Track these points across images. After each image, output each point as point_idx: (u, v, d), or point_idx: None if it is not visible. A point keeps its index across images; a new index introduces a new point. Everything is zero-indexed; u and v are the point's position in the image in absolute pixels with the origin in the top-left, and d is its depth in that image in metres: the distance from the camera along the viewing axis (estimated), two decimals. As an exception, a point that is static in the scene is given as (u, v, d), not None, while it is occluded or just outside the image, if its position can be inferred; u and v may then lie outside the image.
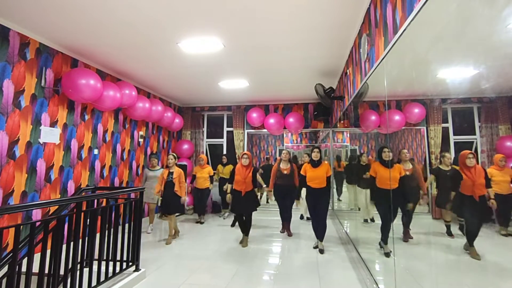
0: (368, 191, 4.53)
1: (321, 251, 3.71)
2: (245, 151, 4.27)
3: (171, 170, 4.30)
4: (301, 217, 5.74)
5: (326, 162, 3.88)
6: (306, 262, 3.41)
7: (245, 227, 4.09)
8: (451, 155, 2.88)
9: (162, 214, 4.31)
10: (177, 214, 4.39)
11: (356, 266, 3.28)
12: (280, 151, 8.53)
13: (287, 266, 3.30)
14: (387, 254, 3.15)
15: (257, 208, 4.12)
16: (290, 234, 4.57)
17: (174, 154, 4.37)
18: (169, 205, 4.20)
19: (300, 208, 5.71)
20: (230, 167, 5.74)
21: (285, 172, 4.46)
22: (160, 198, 4.28)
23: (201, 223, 5.43)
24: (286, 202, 4.60)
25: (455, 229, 2.94)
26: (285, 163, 4.50)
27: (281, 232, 4.68)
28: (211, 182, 5.56)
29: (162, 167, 5.68)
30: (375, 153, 6.04)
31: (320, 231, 3.80)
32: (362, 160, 4.79)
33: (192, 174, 5.73)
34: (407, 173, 3.07)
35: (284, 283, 2.86)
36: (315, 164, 3.76)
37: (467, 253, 2.35)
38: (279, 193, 4.54)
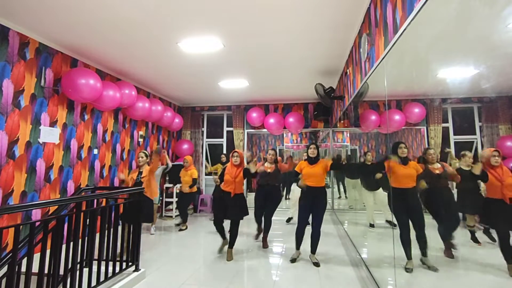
0: (374, 192, 4.42)
1: (317, 264, 3.31)
2: (236, 149, 3.91)
3: (141, 170, 3.77)
4: (288, 220, 5.41)
5: (323, 159, 3.57)
6: (306, 263, 3.40)
7: (224, 235, 3.70)
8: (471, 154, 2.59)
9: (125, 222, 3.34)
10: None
11: (358, 270, 3.28)
12: (280, 151, 8.54)
13: (287, 267, 3.30)
14: (408, 270, 2.70)
15: (244, 217, 3.63)
16: (266, 246, 3.99)
17: (146, 152, 3.89)
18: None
19: (290, 209, 5.47)
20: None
21: (268, 170, 4.11)
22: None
23: (181, 229, 4.90)
24: (268, 205, 4.07)
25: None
26: (270, 163, 4.19)
27: (255, 239, 4.21)
28: (194, 184, 4.92)
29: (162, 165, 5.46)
30: (375, 153, 6.03)
31: (313, 241, 3.41)
32: (367, 159, 4.60)
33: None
34: (438, 172, 2.70)
35: (284, 283, 2.86)
36: (312, 161, 3.48)
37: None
38: (261, 193, 4.12)
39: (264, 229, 4.11)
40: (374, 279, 2.74)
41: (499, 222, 2.12)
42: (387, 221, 4.33)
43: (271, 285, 2.81)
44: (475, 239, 2.60)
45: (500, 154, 2.12)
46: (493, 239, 2.48)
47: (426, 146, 4.09)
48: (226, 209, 3.54)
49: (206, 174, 6.95)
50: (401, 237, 2.73)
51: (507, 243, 2.06)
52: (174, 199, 5.85)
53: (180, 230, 4.91)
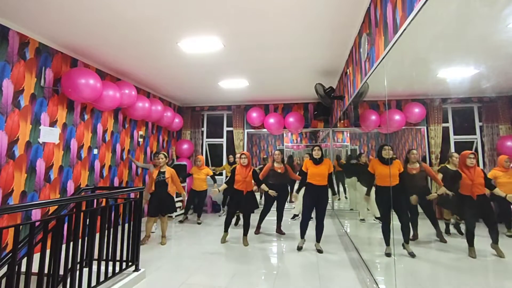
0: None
1: (320, 251, 3.71)
2: (243, 151, 4.29)
3: (161, 170, 4.16)
4: (293, 217, 5.74)
5: (327, 159, 3.87)
6: (305, 262, 3.41)
7: (227, 229, 4.17)
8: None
9: (152, 216, 4.06)
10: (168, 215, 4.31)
11: (356, 265, 3.28)
12: (280, 151, 8.53)
13: (286, 266, 3.30)
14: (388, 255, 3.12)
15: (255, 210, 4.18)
16: (282, 233, 4.61)
17: (165, 153, 4.22)
18: (163, 205, 4.08)
19: (294, 206, 5.75)
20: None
21: (279, 171, 4.52)
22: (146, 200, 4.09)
23: (199, 223, 5.38)
24: (279, 201, 4.61)
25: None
26: (278, 163, 4.57)
27: (255, 233, 4.60)
28: (214, 181, 5.43)
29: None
30: (375, 152, 6.05)
31: (317, 232, 3.81)
32: (361, 159, 4.85)
33: (188, 173, 5.77)
34: (414, 172, 3.07)
35: (284, 283, 2.86)
36: (317, 161, 3.76)
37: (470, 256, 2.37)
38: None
39: (277, 220, 4.69)
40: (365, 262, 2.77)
41: (466, 214, 2.51)
42: (375, 217, 4.63)
43: (272, 283, 2.82)
44: (448, 231, 2.95)
45: (475, 156, 2.42)
46: (461, 233, 2.87)
47: (426, 146, 4.09)
48: (239, 205, 4.08)
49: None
50: (382, 227, 3.21)
51: (471, 231, 2.46)
52: (174, 199, 5.85)
53: (180, 222, 5.45)
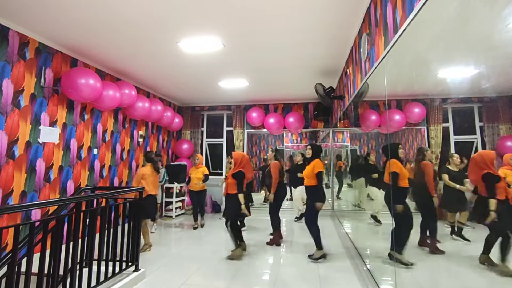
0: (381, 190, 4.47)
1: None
2: (232, 152, 4.05)
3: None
4: (296, 218, 5.61)
5: (317, 159, 3.58)
6: (305, 263, 3.40)
7: (235, 242, 3.61)
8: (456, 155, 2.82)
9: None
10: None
11: (356, 266, 3.28)
12: (280, 150, 8.54)
13: (287, 267, 3.30)
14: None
15: (242, 219, 3.70)
16: (278, 244, 4.06)
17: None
18: (145, 211, 3.71)
19: (294, 209, 5.73)
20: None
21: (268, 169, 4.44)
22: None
23: (201, 225, 5.15)
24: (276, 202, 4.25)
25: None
26: (271, 160, 4.43)
27: (267, 243, 4.09)
28: (205, 180, 5.02)
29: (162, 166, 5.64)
30: (375, 152, 6.04)
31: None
32: (370, 159, 4.76)
33: (188, 177, 5.36)
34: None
35: (285, 284, 2.86)
36: (308, 161, 3.69)
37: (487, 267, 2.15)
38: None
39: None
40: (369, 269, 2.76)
41: (504, 220, 2.15)
42: (372, 216, 4.51)
43: (272, 284, 2.81)
44: (458, 234, 2.78)
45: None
46: (464, 238, 2.69)
47: (427, 146, 4.09)
48: (225, 208, 3.70)
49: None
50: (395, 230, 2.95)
51: (494, 240, 2.19)
52: (174, 199, 5.85)
53: (195, 228, 5.03)
